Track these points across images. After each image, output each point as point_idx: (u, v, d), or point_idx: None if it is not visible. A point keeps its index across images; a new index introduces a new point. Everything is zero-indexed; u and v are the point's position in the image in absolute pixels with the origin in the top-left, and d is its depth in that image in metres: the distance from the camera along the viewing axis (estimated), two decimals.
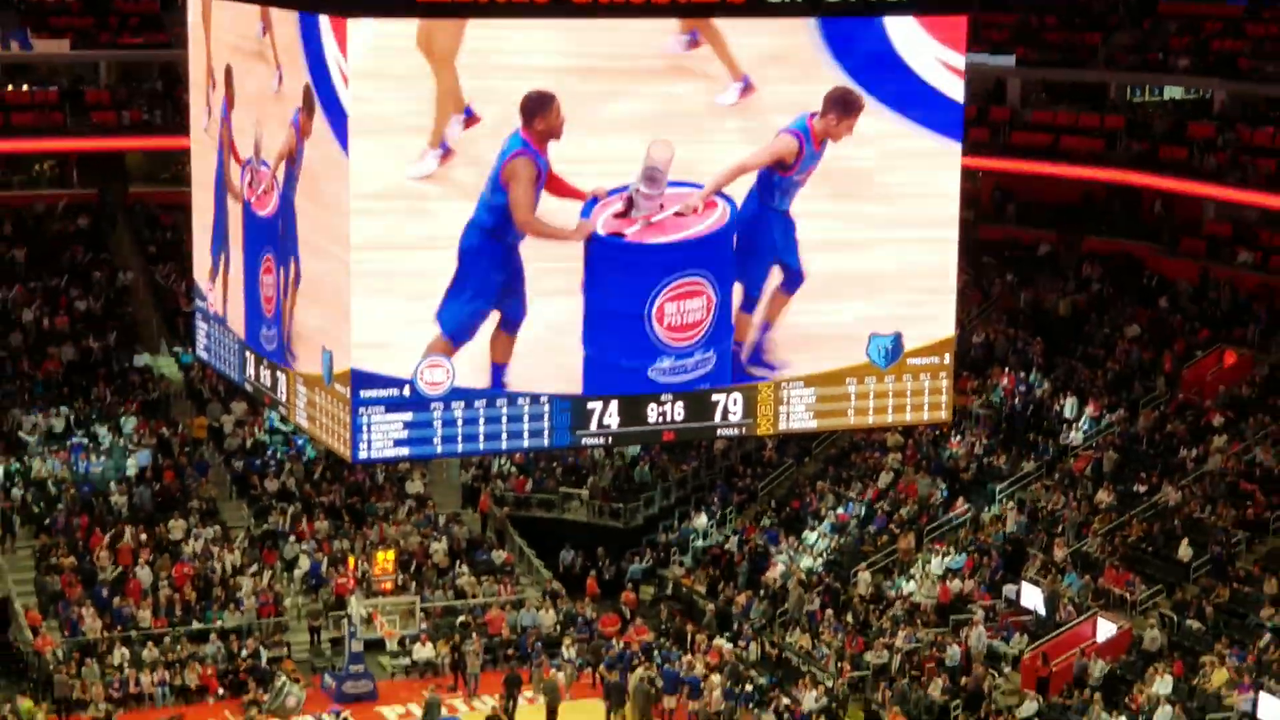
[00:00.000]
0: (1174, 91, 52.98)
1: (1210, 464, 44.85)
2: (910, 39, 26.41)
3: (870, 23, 26.05)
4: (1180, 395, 47.77)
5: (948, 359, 28.15)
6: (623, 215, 24.95)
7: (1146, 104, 54.53)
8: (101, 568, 47.22)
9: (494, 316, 25.13)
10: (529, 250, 24.93)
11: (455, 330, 25.00)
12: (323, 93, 25.30)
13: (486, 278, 24.97)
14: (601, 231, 24.75)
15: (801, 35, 25.65)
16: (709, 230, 25.45)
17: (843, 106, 25.63)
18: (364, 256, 24.81)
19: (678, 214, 25.24)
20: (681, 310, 25.40)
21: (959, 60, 26.67)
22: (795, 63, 25.73)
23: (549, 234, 24.80)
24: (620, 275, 25.20)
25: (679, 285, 25.40)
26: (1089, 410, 48.82)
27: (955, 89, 26.79)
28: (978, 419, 50.57)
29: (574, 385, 25.79)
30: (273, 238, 27.90)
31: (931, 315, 27.84)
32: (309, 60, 25.63)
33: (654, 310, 25.26)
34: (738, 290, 26.09)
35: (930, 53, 26.63)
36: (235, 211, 29.51)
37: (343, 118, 24.33)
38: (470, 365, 25.71)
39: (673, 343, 25.61)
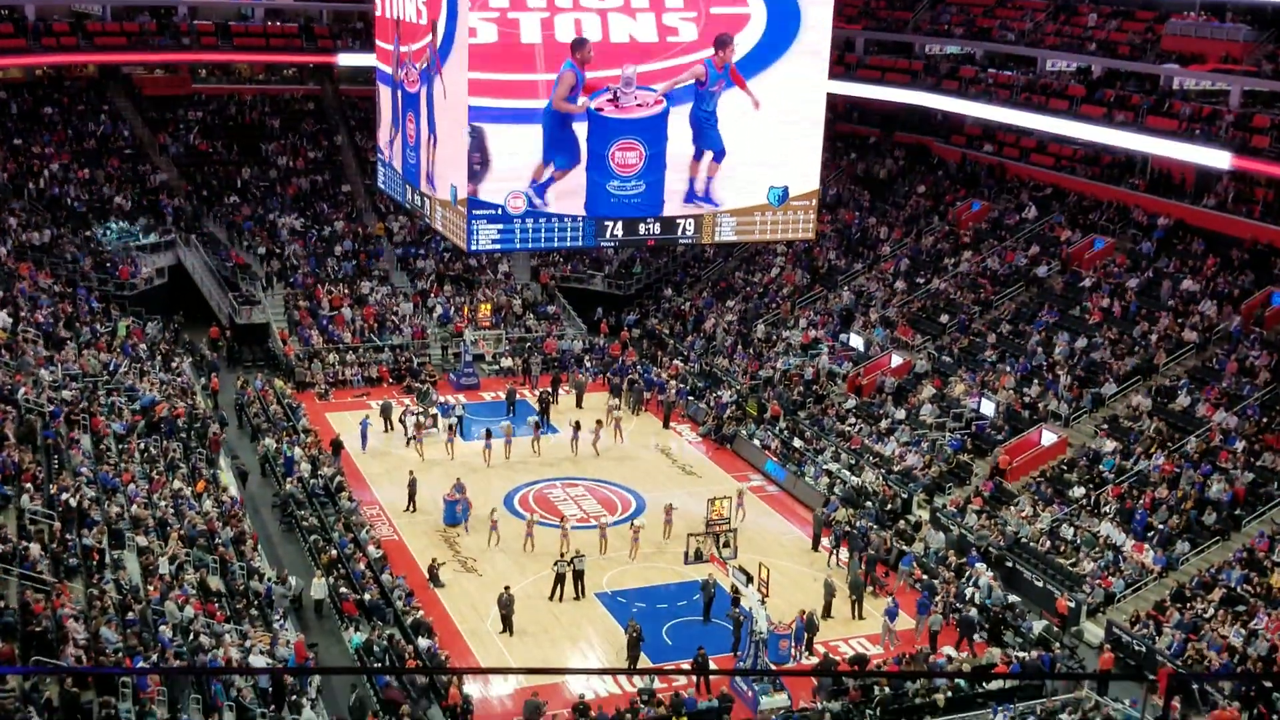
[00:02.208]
0: (952, 48, 51.92)
1: (962, 267, 44.79)
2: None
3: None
4: (946, 227, 47.56)
5: (814, 202, 27.98)
6: (612, 101, 25.17)
7: (936, 55, 53.42)
8: (322, 307, 47.27)
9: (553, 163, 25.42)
10: (578, 125, 25.06)
11: (548, 159, 25.37)
12: (449, 27, 24.78)
13: (559, 137, 25.18)
14: (593, 108, 24.96)
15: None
16: (647, 115, 25.76)
17: (719, 44, 25.65)
18: (474, 129, 24.56)
19: (638, 105, 25.45)
20: (624, 156, 25.60)
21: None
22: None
23: (568, 110, 25.14)
24: (598, 132, 25.33)
25: (623, 143, 25.57)
26: (894, 234, 48.59)
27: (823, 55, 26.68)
28: (829, 238, 50.36)
29: (581, 194, 25.91)
30: (415, 105, 27.85)
31: (806, 177, 27.61)
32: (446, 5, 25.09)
33: (610, 152, 25.49)
34: (692, 158, 26.13)
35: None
36: (397, 94, 29.30)
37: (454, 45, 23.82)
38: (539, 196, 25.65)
39: (619, 172, 25.78)
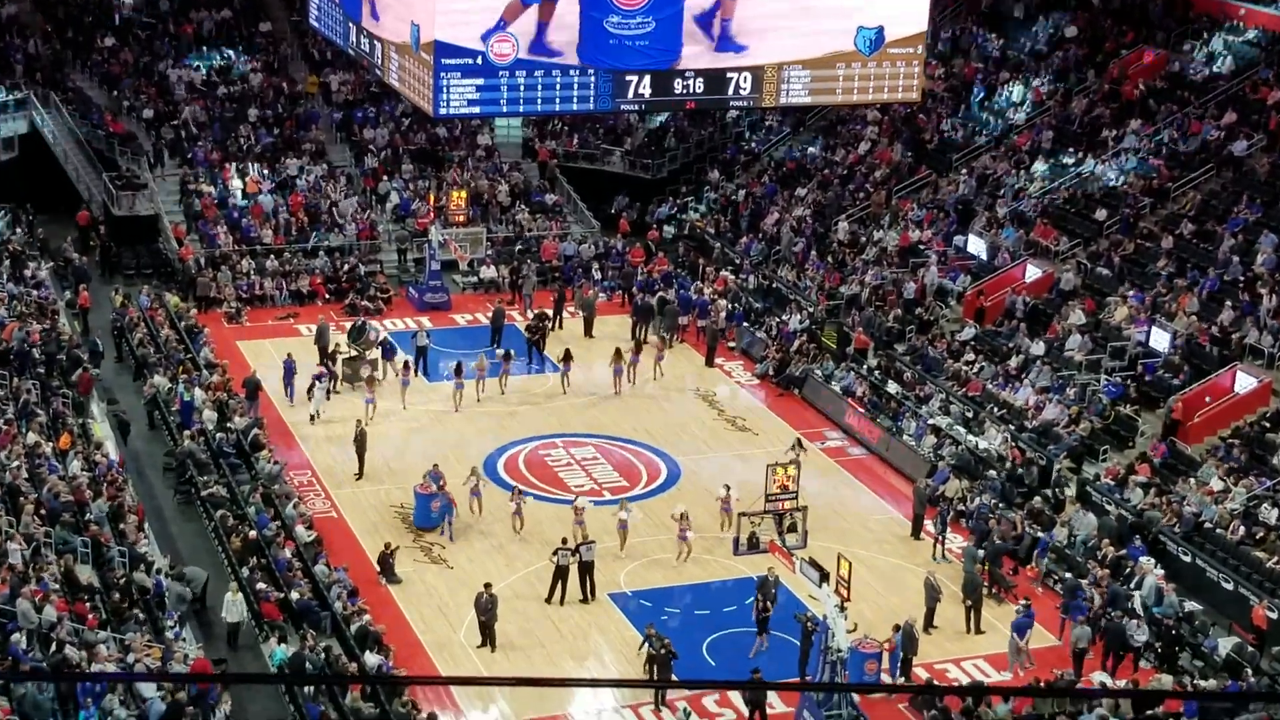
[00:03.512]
0: None
1: (1126, 142, 44.37)
2: None
3: None
4: (1106, 85, 47.02)
5: (919, 50, 27.68)
6: None
7: None
8: (232, 194, 47.37)
9: None
10: None
11: None
12: None
13: None
14: None
15: None
16: None
17: None
18: None
19: None
20: None
21: None
22: None
23: None
24: None
25: None
26: (1031, 95, 48.13)
27: None
28: (942, 100, 49.90)
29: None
30: None
31: (908, 12, 27.31)
32: None
33: None
34: None
35: None
36: None
37: None
38: (532, 38, 25.56)
39: (619, 4, 25.58)
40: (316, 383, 37.41)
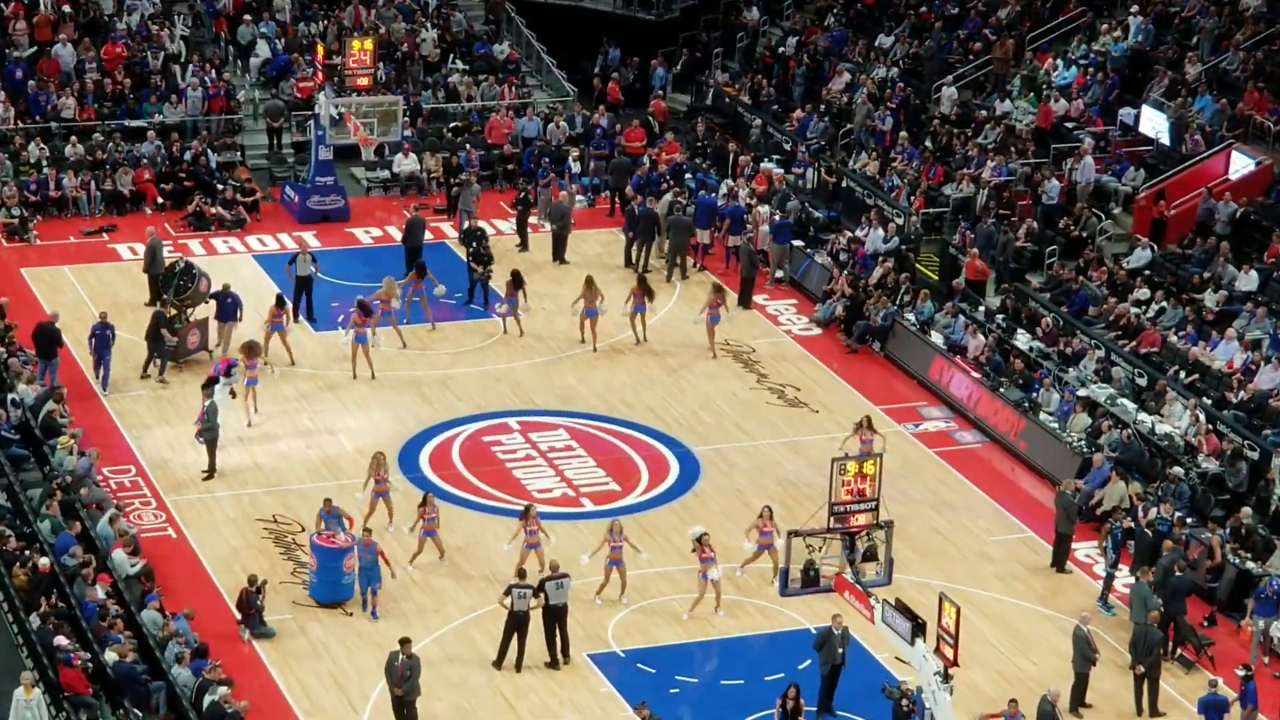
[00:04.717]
0: None
1: None
2: None
3: None
4: None
5: None
6: None
7: None
8: (15, 43, 47.20)
9: None
10: None
11: None
12: None
13: None
14: None
15: None
16: None
17: None
18: None
19: None
20: None
21: None
22: None
23: None
24: None
25: None
26: None
27: None
28: None
29: None
30: None
31: None
32: None
33: None
34: None
35: None
36: None
37: None
38: None
39: None
40: (221, 379, 35.86)
